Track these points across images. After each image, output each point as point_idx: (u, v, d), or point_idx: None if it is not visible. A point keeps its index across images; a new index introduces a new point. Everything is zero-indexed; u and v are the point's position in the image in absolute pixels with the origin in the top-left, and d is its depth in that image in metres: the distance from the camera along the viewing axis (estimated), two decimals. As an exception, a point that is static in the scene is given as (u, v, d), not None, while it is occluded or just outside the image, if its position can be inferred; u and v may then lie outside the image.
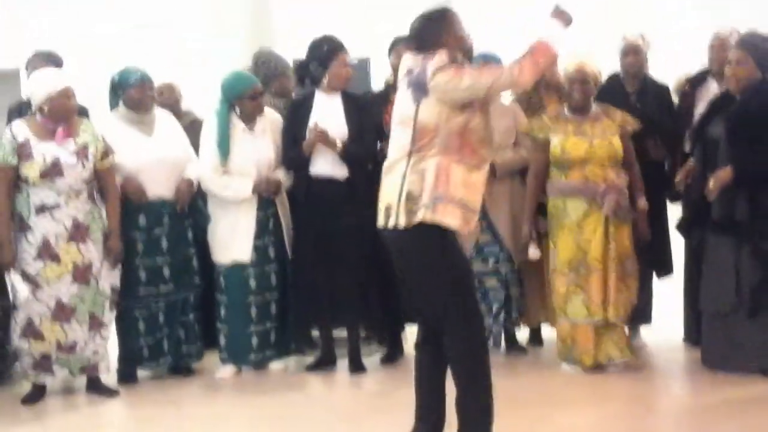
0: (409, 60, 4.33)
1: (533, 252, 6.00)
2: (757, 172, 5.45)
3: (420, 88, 4.21)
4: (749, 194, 5.48)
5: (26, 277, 5.61)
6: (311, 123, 5.98)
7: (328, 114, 6.02)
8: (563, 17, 4.18)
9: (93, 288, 5.70)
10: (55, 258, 5.61)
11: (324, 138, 5.92)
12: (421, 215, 4.09)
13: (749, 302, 5.55)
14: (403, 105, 4.30)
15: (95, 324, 5.74)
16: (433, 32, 4.27)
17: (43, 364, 5.69)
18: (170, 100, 6.69)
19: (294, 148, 6.02)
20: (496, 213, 6.24)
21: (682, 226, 6.03)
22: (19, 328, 5.65)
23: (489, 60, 6.23)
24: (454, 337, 4.22)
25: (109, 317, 5.83)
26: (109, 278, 5.77)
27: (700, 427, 4.96)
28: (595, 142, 5.81)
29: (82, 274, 5.65)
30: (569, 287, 5.82)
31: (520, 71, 4.10)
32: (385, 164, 4.33)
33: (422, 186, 4.11)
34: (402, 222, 4.14)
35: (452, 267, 4.20)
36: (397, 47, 6.20)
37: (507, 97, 6.54)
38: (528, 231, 5.98)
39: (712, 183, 5.46)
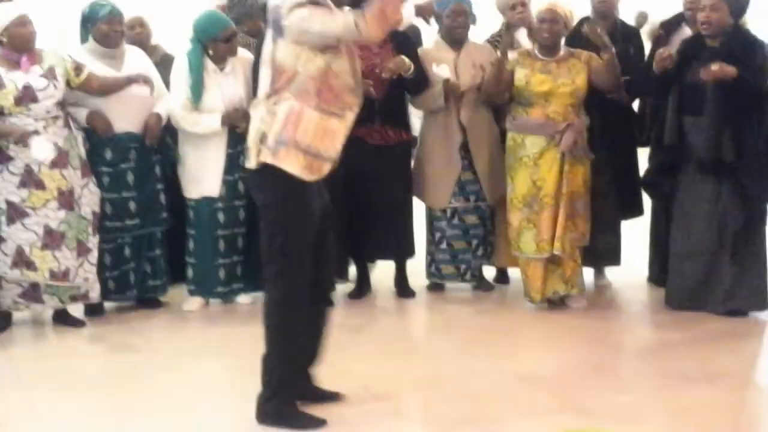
0: None
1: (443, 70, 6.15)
2: (753, 88, 5.48)
3: (276, 27, 4.03)
4: (735, 137, 5.56)
5: (11, 206, 5.61)
6: None
7: None
8: None
9: (77, 213, 5.72)
10: (40, 185, 5.62)
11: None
12: (263, 157, 3.97)
13: (732, 244, 5.65)
14: (265, 43, 4.14)
15: (83, 250, 5.77)
16: None
17: (32, 293, 5.72)
18: (141, 35, 6.61)
19: None
20: (476, 151, 6.30)
21: (650, 175, 6.10)
22: (10, 258, 5.65)
23: (462, 1, 6.27)
24: (268, 287, 4.14)
25: (94, 242, 5.85)
26: (89, 203, 5.79)
27: (660, 363, 5.05)
28: (560, 81, 5.87)
29: (67, 200, 5.67)
30: (522, 222, 5.92)
31: (366, 25, 3.86)
32: (251, 105, 4.21)
33: (271, 127, 3.97)
34: (252, 162, 4.04)
35: (285, 216, 4.01)
36: None
37: (480, 37, 6.57)
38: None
39: (715, 65, 5.43)
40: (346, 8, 4.02)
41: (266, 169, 3.99)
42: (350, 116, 4.09)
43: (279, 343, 4.11)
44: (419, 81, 6.17)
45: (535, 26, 6.03)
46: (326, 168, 4.05)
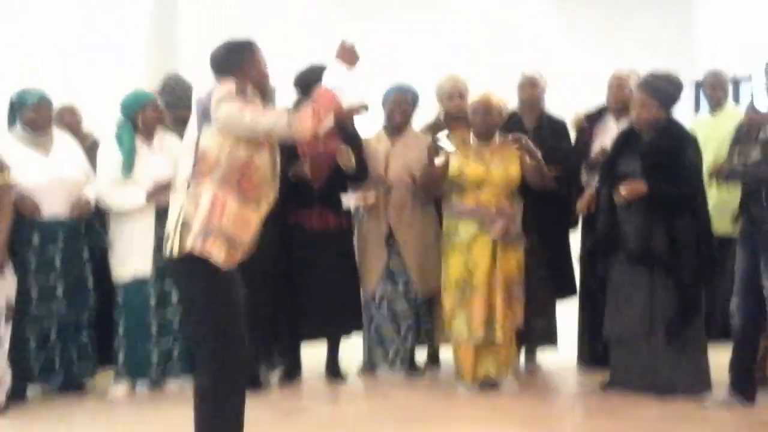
0: (204, 85, 4.19)
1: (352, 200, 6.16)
2: (668, 192, 5.59)
3: (204, 115, 4.06)
4: (666, 227, 5.63)
5: None
6: None
7: None
8: (348, 56, 4.06)
9: None
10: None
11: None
12: (190, 244, 3.95)
13: (667, 331, 5.68)
14: (189, 129, 4.20)
15: None
16: (230, 60, 4.15)
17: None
18: (71, 122, 6.63)
19: None
20: (405, 241, 6.34)
21: (585, 258, 6.15)
22: None
23: (405, 92, 6.33)
24: (199, 373, 4.13)
25: (5, 331, 5.70)
26: (3, 292, 5.66)
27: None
28: (492, 168, 5.95)
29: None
30: (454, 306, 5.94)
31: (299, 122, 3.93)
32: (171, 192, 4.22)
33: (195, 215, 3.98)
34: (175, 250, 4.00)
35: (213, 303, 4.02)
36: None
37: (418, 127, 6.65)
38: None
39: (623, 189, 5.57)
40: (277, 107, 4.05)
41: (191, 258, 3.96)
42: (265, 207, 4.12)
43: (210, 430, 4.06)
44: (359, 176, 6.19)
45: (470, 116, 6.11)
46: (239, 257, 4.05)
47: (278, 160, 4.17)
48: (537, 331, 6.47)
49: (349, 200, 6.17)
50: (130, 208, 5.98)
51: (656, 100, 5.66)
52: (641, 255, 5.68)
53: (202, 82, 6.06)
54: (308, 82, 5.78)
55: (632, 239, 5.71)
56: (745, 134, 5.51)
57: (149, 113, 6.03)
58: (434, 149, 5.96)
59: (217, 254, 3.94)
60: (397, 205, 6.32)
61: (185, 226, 3.96)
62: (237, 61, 4.14)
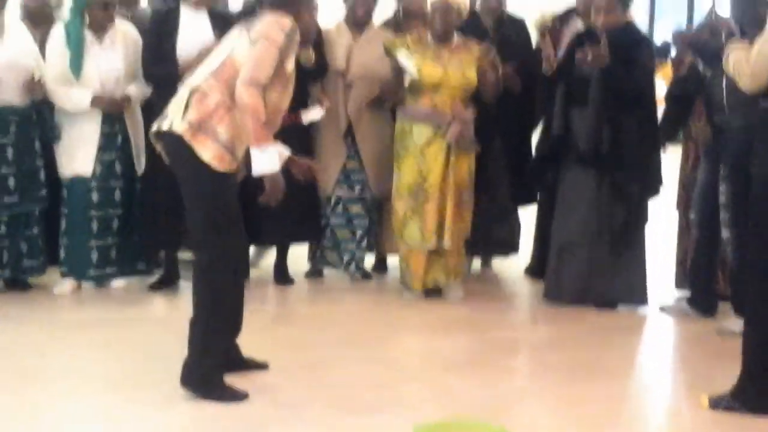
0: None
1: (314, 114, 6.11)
2: (623, 90, 5.59)
3: (248, 25, 4.28)
4: (613, 129, 5.64)
5: None
6: (187, 40, 5.85)
7: (197, 31, 5.89)
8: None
9: None
10: None
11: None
12: (181, 130, 4.15)
13: (612, 238, 5.72)
14: (234, 29, 4.39)
15: None
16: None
17: None
18: (37, 5, 6.46)
19: (160, 63, 5.86)
20: (363, 141, 6.28)
21: (536, 163, 6.15)
22: None
23: None
24: (197, 251, 4.32)
25: None
26: None
27: (535, 357, 5.13)
28: (450, 71, 5.88)
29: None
30: (407, 212, 5.92)
31: (255, 129, 4.11)
32: (190, 76, 4.41)
33: (198, 108, 4.16)
34: (171, 126, 4.18)
35: (203, 188, 4.21)
36: None
37: (376, 23, 6.54)
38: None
39: (592, 54, 5.54)
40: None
41: (181, 142, 4.15)
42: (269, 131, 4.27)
43: (207, 308, 4.22)
44: (318, 71, 6.10)
45: (429, 16, 6.02)
46: (234, 165, 4.23)
47: (288, 100, 4.37)
48: (495, 238, 6.49)
49: (310, 116, 6.08)
50: (73, 110, 5.87)
51: (619, 2, 5.66)
52: (590, 156, 5.69)
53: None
54: None
55: (582, 140, 5.71)
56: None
57: (98, 11, 5.85)
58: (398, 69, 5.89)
59: (203, 152, 4.13)
60: (357, 101, 6.24)
61: (186, 112, 4.16)
62: (296, 2, 4.37)
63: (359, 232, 6.36)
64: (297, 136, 6.05)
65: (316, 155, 6.27)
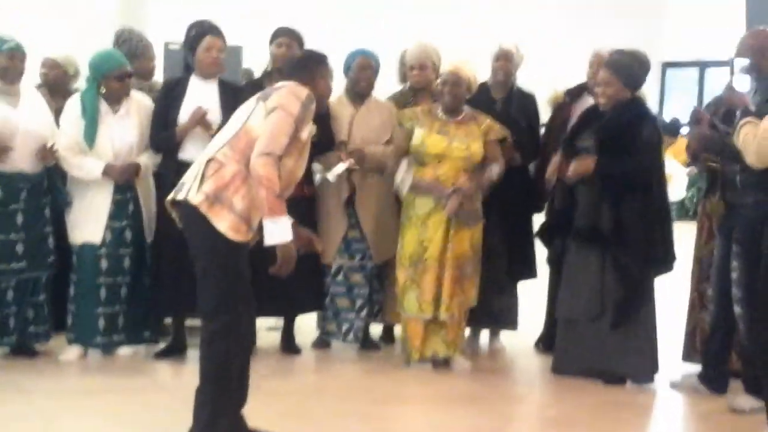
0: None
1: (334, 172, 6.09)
2: (618, 172, 5.58)
3: (265, 96, 4.35)
4: (613, 206, 5.62)
5: None
6: (188, 107, 5.91)
7: (203, 100, 5.96)
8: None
9: None
10: None
11: (203, 119, 5.85)
12: (197, 201, 4.18)
13: (612, 315, 5.68)
14: (251, 99, 4.44)
15: None
16: (307, 67, 4.51)
17: None
18: (56, 75, 6.54)
19: (164, 131, 5.94)
20: (363, 210, 6.29)
21: (542, 233, 6.13)
22: None
23: (368, 57, 6.31)
24: (206, 318, 4.32)
25: None
26: None
27: None
28: (454, 143, 5.91)
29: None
30: (407, 281, 5.93)
31: (269, 198, 4.14)
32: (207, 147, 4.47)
33: (214, 178, 4.20)
34: (190, 198, 4.22)
35: (216, 256, 4.24)
36: (279, 37, 6.24)
37: (382, 95, 6.59)
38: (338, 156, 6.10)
39: (572, 167, 5.58)
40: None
41: (197, 212, 4.18)
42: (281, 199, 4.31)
43: (214, 377, 4.24)
44: (324, 143, 6.09)
45: (438, 88, 6.06)
46: (249, 236, 4.26)
47: (303, 168, 4.44)
48: (497, 311, 6.46)
49: (335, 171, 6.08)
50: (86, 179, 5.93)
51: (620, 78, 5.66)
52: (587, 233, 5.68)
53: (169, 35, 6.07)
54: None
55: (581, 217, 5.71)
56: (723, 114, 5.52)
57: (114, 83, 5.91)
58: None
59: (219, 222, 4.16)
60: (361, 169, 6.24)
61: (203, 182, 4.20)
62: (311, 70, 4.49)
63: (359, 302, 6.34)
64: (300, 206, 6.09)
65: (317, 225, 6.28)
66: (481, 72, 6.34)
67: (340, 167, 6.07)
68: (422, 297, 5.89)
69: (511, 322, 6.60)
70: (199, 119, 5.85)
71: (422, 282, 5.88)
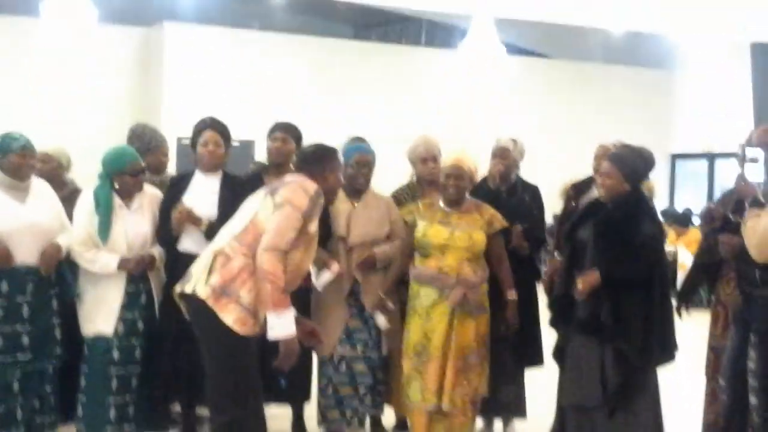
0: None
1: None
2: (621, 276, 5.55)
3: (274, 190, 4.41)
4: (613, 297, 5.57)
5: None
6: (188, 202, 5.99)
7: (202, 193, 6.03)
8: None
9: None
10: None
11: (186, 216, 5.90)
12: (205, 295, 4.21)
13: (608, 402, 5.61)
14: (260, 192, 4.52)
15: None
16: (317, 161, 4.59)
17: None
18: (50, 168, 6.60)
19: (168, 225, 5.99)
20: (369, 300, 6.26)
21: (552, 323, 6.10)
22: None
23: (365, 153, 6.40)
24: (215, 413, 4.35)
25: None
26: None
27: None
28: (456, 233, 5.93)
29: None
30: (411, 370, 5.92)
31: (269, 263, 4.21)
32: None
33: (221, 272, 4.23)
34: (195, 290, 4.26)
35: (226, 352, 4.26)
36: (276, 132, 6.32)
37: (385, 191, 6.64)
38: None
39: (580, 284, 5.56)
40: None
41: (204, 306, 4.22)
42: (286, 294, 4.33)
43: None
44: (323, 237, 6.05)
45: (441, 181, 6.09)
46: (256, 329, 4.29)
47: (310, 261, 4.53)
48: (505, 400, 6.42)
49: (323, 280, 6.12)
50: (100, 272, 5.95)
51: (621, 172, 5.65)
52: (588, 324, 5.63)
53: (182, 130, 6.15)
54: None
55: (581, 308, 5.66)
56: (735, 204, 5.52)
57: (128, 178, 5.97)
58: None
59: (226, 316, 4.19)
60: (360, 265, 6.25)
61: (210, 275, 4.24)
62: (322, 163, 4.60)
63: (362, 389, 6.30)
64: (301, 296, 6.09)
65: (315, 317, 6.25)
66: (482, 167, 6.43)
67: (327, 276, 6.11)
68: (425, 387, 5.87)
69: (519, 410, 6.54)
70: (184, 218, 5.91)
71: (425, 372, 5.87)
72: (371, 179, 6.46)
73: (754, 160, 5.29)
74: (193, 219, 5.92)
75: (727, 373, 5.53)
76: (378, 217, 6.26)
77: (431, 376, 5.85)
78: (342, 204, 6.35)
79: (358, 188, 6.39)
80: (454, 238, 5.92)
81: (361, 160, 6.38)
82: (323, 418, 6.36)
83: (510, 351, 6.31)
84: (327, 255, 6.15)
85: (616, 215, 5.62)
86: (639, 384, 5.64)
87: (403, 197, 6.64)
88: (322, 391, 6.34)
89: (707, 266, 5.83)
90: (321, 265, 6.15)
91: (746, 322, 5.32)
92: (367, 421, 6.55)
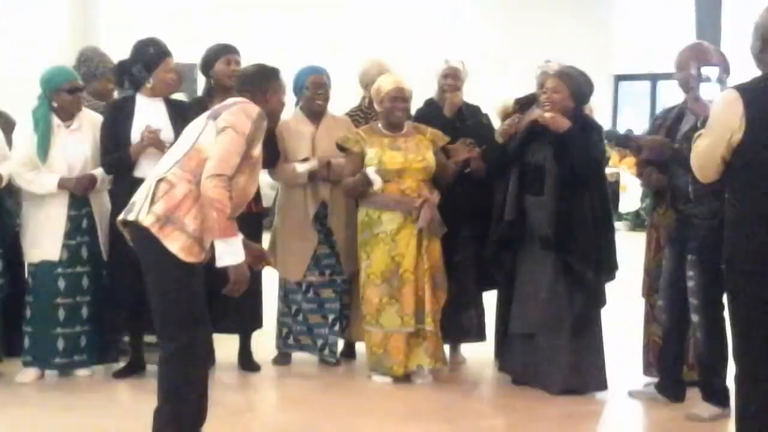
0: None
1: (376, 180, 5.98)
2: (578, 153, 5.62)
3: (215, 114, 4.34)
4: (568, 214, 5.66)
5: None
6: (139, 126, 5.85)
7: (152, 119, 5.90)
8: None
9: None
10: None
11: (156, 140, 5.79)
12: (149, 223, 4.16)
13: (572, 326, 5.70)
14: (200, 118, 4.43)
15: None
16: (258, 81, 4.51)
17: None
18: None
19: (115, 151, 5.87)
20: (336, 225, 6.28)
21: (494, 247, 6.08)
22: None
23: (320, 73, 6.32)
24: (164, 339, 4.32)
25: None
26: None
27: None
28: (410, 156, 5.96)
29: None
30: (382, 298, 5.92)
31: (218, 219, 4.12)
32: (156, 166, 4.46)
33: (164, 199, 4.18)
34: (138, 217, 4.21)
35: (169, 277, 4.22)
36: (232, 54, 6.22)
37: (340, 110, 6.59)
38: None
39: (550, 115, 5.61)
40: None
41: (148, 234, 4.16)
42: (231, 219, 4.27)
43: (173, 397, 4.23)
44: (270, 159, 6.02)
45: (385, 105, 6.07)
46: (201, 257, 4.23)
47: (255, 185, 4.46)
48: (463, 325, 6.44)
49: (306, 165, 6.12)
50: (40, 192, 5.86)
51: (568, 88, 5.75)
52: (548, 241, 5.68)
53: (121, 52, 6.06)
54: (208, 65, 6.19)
55: (544, 225, 5.70)
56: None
57: (65, 96, 5.87)
58: (365, 181, 5.92)
59: (170, 243, 4.14)
60: (329, 185, 6.24)
61: (153, 203, 4.17)
62: (263, 84, 4.49)
63: (331, 317, 6.31)
64: (248, 222, 6.02)
65: (281, 242, 6.27)
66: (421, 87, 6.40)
67: (307, 164, 6.13)
68: (403, 311, 5.89)
69: (480, 335, 6.55)
70: (153, 139, 5.80)
71: (401, 296, 5.89)
72: (329, 100, 6.40)
73: (707, 80, 5.32)
74: (159, 142, 5.80)
75: (663, 293, 5.62)
76: (341, 136, 6.16)
77: (408, 299, 5.87)
78: (304, 127, 6.31)
79: (317, 110, 6.33)
80: (410, 161, 5.94)
81: (317, 81, 6.32)
82: (296, 342, 6.37)
83: (472, 274, 6.32)
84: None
85: (569, 133, 5.63)
86: (596, 303, 5.76)
87: (356, 120, 6.59)
88: (292, 317, 6.34)
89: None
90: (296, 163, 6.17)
91: (681, 243, 5.41)
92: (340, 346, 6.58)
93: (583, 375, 5.77)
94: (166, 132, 5.86)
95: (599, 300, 5.82)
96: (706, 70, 5.31)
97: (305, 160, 6.19)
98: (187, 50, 6.82)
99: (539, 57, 6.66)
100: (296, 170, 6.15)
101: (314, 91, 6.30)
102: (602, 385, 5.80)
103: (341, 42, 14.21)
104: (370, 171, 5.90)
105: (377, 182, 5.89)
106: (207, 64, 6.23)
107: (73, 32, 12.30)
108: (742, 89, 4.02)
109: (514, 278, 5.91)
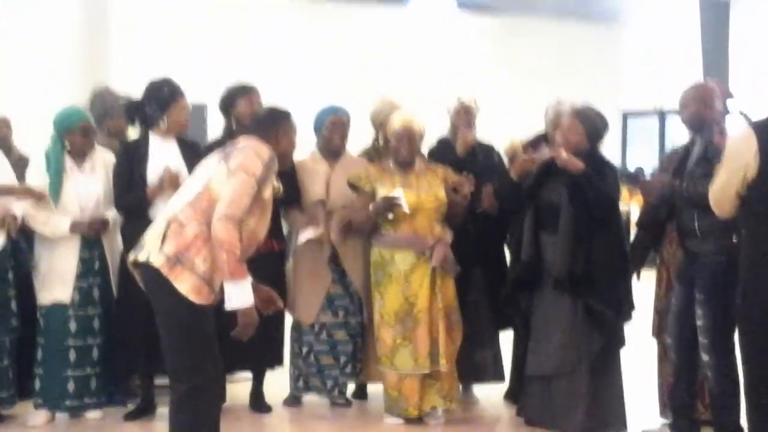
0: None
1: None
2: (594, 198, 5.57)
3: (227, 155, 4.33)
4: (585, 253, 5.61)
5: None
6: (155, 167, 5.87)
7: (166, 159, 5.92)
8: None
9: None
10: None
11: (176, 182, 5.76)
12: (159, 264, 4.16)
13: (590, 367, 5.65)
14: (213, 156, 4.44)
15: None
16: (269, 123, 4.51)
17: None
18: (5, 135, 6.50)
19: (130, 191, 5.89)
20: (350, 264, 6.26)
21: (511, 289, 6.03)
22: None
23: (340, 114, 6.36)
24: (175, 381, 4.30)
25: None
26: None
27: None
28: (423, 195, 5.94)
29: None
30: (396, 339, 5.89)
31: (229, 261, 4.12)
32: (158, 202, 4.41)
33: (175, 240, 4.18)
34: (147, 258, 4.21)
35: (180, 317, 4.21)
36: (253, 94, 6.24)
37: (354, 149, 6.60)
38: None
39: (565, 155, 5.57)
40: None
41: (159, 275, 4.16)
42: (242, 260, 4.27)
43: None
44: (288, 199, 6.09)
45: (393, 143, 6.08)
46: (211, 298, 4.22)
47: (266, 227, 4.44)
48: (480, 363, 6.42)
49: (305, 235, 6.13)
50: (52, 235, 5.86)
51: (584, 128, 5.72)
52: (564, 281, 5.63)
53: (133, 92, 6.08)
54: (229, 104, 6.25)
55: (555, 266, 5.67)
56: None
57: (77, 137, 5.89)
58: (389, 205, 5.90)
59: (180, 284, 4.13)
60: (339, 228, 6.19)
61: (164, 243, 4.17)
62: (274, 126, 4.50)
63: (343, 358, 6.29)
64: (270, 261, 6.04)
65: (296, 283, 6.26)
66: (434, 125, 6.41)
67: (309, 233, 6.11)
68: (417, 352, 5.86)
69: (497, 374, 6.52)
70: (173, 182, 5.78)
71: (415, 337, 5.86)
72: (347, 141, 6.42)
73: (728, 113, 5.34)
74: (178, 185, 5.82)
75: (673, 332, 5.58)
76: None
77: (422, 340, 5.85)
78: (320, 167, 6.32)
79: (334, 150, 6.35)
80: (422, 200, 5.92)
81: (336, 121, 6.34)
82: (305, 384, 6.34)
83: (487, 314, 6.31)
84: (306, 217, 6.18)
85: (584, 173, 5.60)
86: (615, 343, 5.72)
87: (370, 160, 6.56)
88: (303, 358, 6.32)
89: (650, 226, 5.86)
90: (302, 226, 6.17)
91: (689, 281, 5.38)
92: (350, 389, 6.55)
93: (602, 416, 5.70)
94: (181, 173, 5.87)
95: (619, 340, 5.77)
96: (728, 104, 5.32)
97: (315, 208, 6.18)
98: (195, 91, 6.85)
99: (548, 94, 6.68)
100: (299, 239, 6.17)
101: (332, 131, 6.32)
102: (622, 427, 5.74)
103: (354, 80, 14.26)
104: (399, 192, 5.89)
105: (405, 204, 5.85)
106: (228, 104, 6.27)
107: (84, 76, 12.37)
108: (756, 126, 4.05)
109: (530, 317, 5.88)
